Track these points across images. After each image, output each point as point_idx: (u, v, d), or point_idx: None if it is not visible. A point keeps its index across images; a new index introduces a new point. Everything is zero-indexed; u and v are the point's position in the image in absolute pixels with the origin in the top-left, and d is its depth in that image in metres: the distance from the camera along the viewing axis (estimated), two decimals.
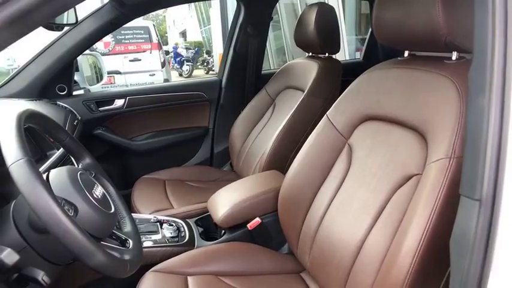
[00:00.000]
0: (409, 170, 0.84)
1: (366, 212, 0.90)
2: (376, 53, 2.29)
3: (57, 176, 0.73)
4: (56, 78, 1.70)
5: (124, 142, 1.93)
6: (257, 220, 1.20)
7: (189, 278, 1.01)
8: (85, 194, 0.72)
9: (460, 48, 0.84)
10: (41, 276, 0.65)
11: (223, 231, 1.25)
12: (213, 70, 11.58)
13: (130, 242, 0.80)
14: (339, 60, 1.70)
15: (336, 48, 1.63)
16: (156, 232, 1.20)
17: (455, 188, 0.62)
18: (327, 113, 1.11)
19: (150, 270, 1.02)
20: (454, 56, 0.86)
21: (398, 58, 1.02)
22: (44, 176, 0.72)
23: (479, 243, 0.56)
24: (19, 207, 0.71)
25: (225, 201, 1.24)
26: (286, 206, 1.13)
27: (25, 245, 0.68)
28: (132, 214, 0.93)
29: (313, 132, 1.12)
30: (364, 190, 0.93)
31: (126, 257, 0.72)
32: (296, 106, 1.52)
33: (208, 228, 1.32)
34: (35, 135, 1.19)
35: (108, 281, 1.14)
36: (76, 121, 1.60)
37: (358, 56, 4.53)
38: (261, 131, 1.75)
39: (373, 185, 0.91)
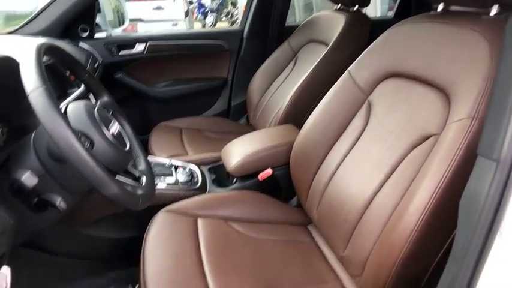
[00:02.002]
0: (428, 129, 0.82)
1: (378, 169, 0.89)
2: (409, 11, 2.16)
3: (75, 109, 0.74)
4: (78, 19, 1.69)
5: (143, 88, 1.94)
6: (268, 171, 1.21)
7: (199, 220, 1.05)
8: (101, 129, 0.73)
9: (503, 0, 0.77)
10: (58, 201, 0.68)
11: (235, 179, 1.27)
12: (237, 23, 11.24)
13: (144, 178, 0.83)
14: (369, 16, 1.61)
15: (366, 0, 1.54)
16: (170, 175, 1.24)
17: (473, 149, 0.60)
18: (349, 68, 1.07)
19: (162, 210, 1.06)
20: (494, 10, 0.79)
21: (431, 12, 0.96)
22: (63, 109, 0.73)
23: (491, 204, 0.55)
24: (39, 135, 0.74)
25: (238, 151, 1.25)
26: (298, 160, 1.13)
27: (44, 172, 0.71)
28: (148, 157, 0.95)
29: (332, 88, 1.10)
30: (380, 147, 0.92)
31: (139, 192, 0.75)
32: (318, 60, 1.47)
33: (221, 176, 1.35)
34: (55, 73, 1.20)
35: (122, 219, 1.20)
36: (97, 63, 1.61)
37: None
38: (280, 85, 1.72)
39: (389, 142, 0.90)
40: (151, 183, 0.84)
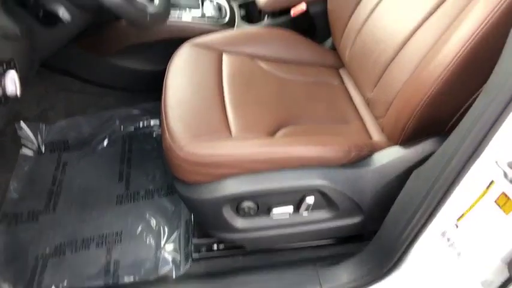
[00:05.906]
0: None
1: (421, 7, 0.77)
2: None
3: None
4: None
5: None
6: (302, 7, 1.09)
7: (224, 55, 1.01)
8: None
9: None
10: (61, 12, 0.66)
11: (265, 16, 1.17)
12: None
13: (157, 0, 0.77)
14: None
15: None
16: (196, 8, 1.15)
17: None
18: None
19: (187, 42, 1.02)
20: None
21: None
22: None
23: None
24: None
25: None
26: None
27: None
28: None
29: None
30: None
31: (149, 9, 0.70)
32: None
33: (251, 13, 1.24)
34: None
35: (148, 52, 1.18)
36: None
37: None
38: None
39: None
40: (165, 4, 0.78)
